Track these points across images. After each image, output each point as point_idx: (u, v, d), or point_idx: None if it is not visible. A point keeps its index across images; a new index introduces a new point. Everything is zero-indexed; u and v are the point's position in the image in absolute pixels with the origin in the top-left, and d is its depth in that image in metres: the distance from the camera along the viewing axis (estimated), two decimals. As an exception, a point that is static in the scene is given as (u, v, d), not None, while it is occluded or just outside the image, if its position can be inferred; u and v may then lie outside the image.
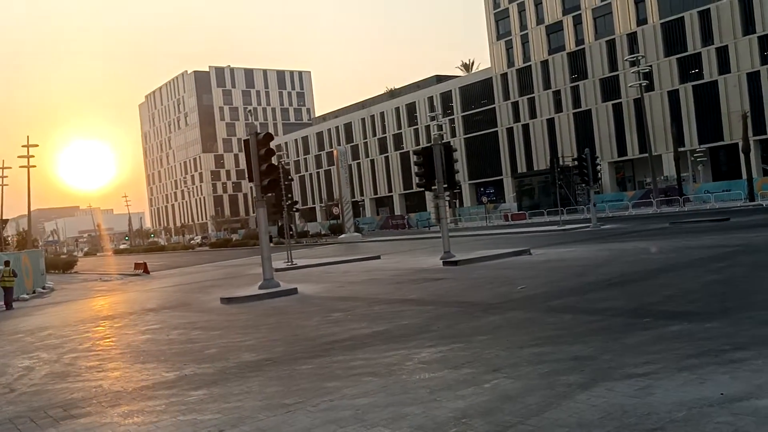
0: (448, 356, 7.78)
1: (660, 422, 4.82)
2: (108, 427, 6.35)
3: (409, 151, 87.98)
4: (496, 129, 77.51)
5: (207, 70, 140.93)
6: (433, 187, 23.20)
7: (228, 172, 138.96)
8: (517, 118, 74.94)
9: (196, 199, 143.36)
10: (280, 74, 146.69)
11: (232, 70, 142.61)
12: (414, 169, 26.27)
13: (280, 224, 31.39)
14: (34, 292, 30.18)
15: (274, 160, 18.03)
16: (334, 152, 57.38)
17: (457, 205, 78.12)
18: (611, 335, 7.99)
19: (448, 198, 23.76)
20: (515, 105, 75.07)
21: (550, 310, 10.30)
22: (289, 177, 29.23)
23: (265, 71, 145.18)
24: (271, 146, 17.63)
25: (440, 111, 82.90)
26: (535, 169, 70.39)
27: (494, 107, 77.54)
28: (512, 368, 6.90)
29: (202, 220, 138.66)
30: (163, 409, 6.74)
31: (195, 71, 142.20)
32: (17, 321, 18.26)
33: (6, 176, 68.04)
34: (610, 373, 6.32)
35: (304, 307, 14.18)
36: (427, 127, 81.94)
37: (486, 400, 5.87)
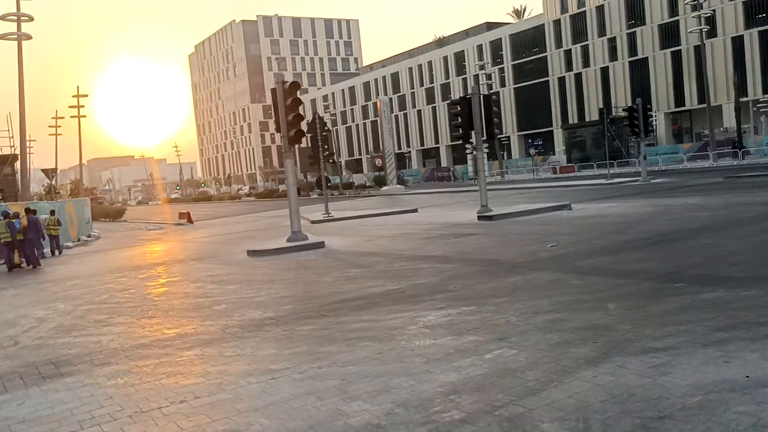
0: (456, 321, 7.26)
1: (669, 409, 4.21)
2: (89, 387, 6.09)
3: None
4: (547, 78, 75.01)
5: (255, 19, 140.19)
6: (470, 140, 22.36)
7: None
8: (569, 67, 72.25)
9: (244, 150, 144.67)
10: (328, 23, 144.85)
11: (279, 19, 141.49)
12: (452, 120, 25.36)
13: (318, 176, 30.93)
14: (78, 240, 30.81)
15: (301, 110, 17.48)
16: (378, 103, 56.40)
17: (505, 157, 76.54)
18: (636, 301, 7.31)
19: (486, 150, 22.86)
20: (568, 53, 72.28)
21: (577, 271, 9.62)
22: (326, 128, 28.67)
23: (312, 20, 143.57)
24: (298, 96, 17.07)
25: (489, 60, 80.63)
26: (587, 120, 67.97)
27: (546, 55, 74.86)
28: (520, 337, 6.33)
29: (251, 170, 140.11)
30: (149, 371, 6.45)
31: (243, 21, 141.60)
32: (53, 269, 18.52)
33: (60, 126, 69.58)
34: (625, 346, 5.69)
35: (326, 261, 13.81)
36: (476, 77, 79.67)
37: (482, 373, 5.34)
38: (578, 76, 71.25)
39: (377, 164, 54.34)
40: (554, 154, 70.45)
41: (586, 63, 70.36)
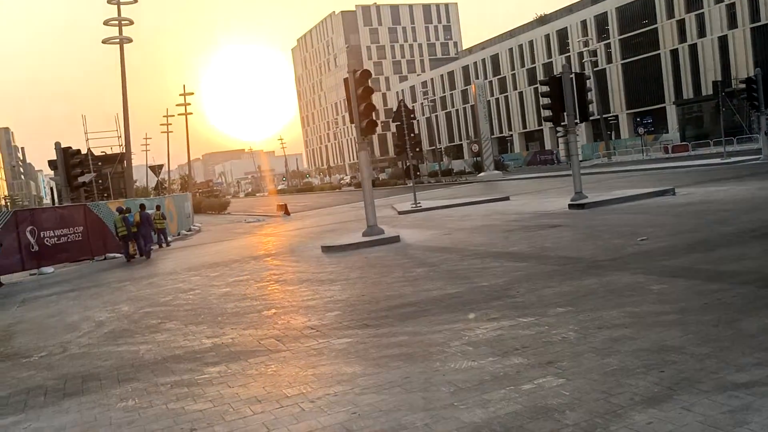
0: (505, 336, 6.33)
1: (736, 483, 3.18)
2: (98, 409, 5.73)
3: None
4: (658, 51, 70.17)
5: (354, 9, 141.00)
6: (562, 122, 20.88)
7: (376, 112, 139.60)
8: (682, 38, 67.18)
9: (347, 139, 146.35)
10: (426, 8, 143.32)
11: (378, 7, 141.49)
12: (541, 101, 23.87)
13: (407, 165, 30.24)
14: (178, 234, 31.86)
15: (374, 99, 16.80)
16: (472, 87, 54.84)
17: (612, 137, 72.64)
18: (726, 315, 6.09)
19: (578, 132, 21.26)
20: (680, 23, 67.22)
21: (662, 271, 8.36)
22: (412, 115, 27.88)
23: (410, 6, 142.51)
24: (369, 84, 16.40)
25: (594, 35, 76.62)
26: (704, 94, 63.04)
27: (656, 27, 70.01)
28: (571, 360, 5.34)
29: (353, 160, 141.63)
30: (164, 391, 6.02)
31: (342, 11, 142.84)
32: (142, 266, 18.97)
33: (171, 123, 72.88)
34: (698, 378, 4.60)
35: (394, 258, 13.10)
36: (580, 54, 75.95)
37: (513, 411, 4.44)
38: (693, 48, 66.15)
39: (474, 150, 52.87)
40: (667, 132, 66.02)
41: (701, 33, 65.18)
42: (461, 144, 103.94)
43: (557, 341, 5.95)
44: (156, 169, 45.80)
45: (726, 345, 5.23)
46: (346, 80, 16.85)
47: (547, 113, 21.45)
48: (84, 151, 32.37)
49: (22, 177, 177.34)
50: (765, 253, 8.89)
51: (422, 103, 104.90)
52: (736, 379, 4.50)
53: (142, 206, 23.68)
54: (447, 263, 11.53)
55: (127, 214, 21.67)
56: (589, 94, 21.17)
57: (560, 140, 18.16)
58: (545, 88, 21.36)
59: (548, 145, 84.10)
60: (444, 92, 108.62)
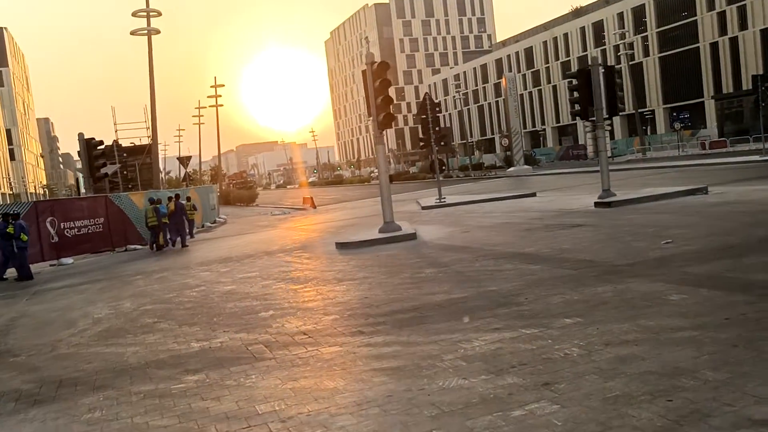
0: (504, 350, 5.82)
1: None
2: (61, 421, 5.39)
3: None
4: (697, 45, 68.13)
5: (387, 2, 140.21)
6: (590, 117, 20.11)
7: (408, 105, 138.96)
8: (723, 31, 65.09)
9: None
10: (460, 1, 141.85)
11: (411, 0, 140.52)
12: (570, 95, 23.08)
13: (431, 158, 29.66)
14: (203, 226, 31.83)
15: (391, 92, 16.29)
16: (503, 80, 53.87)
17: (648, 132, 70.88)
18: (748, 333, 5.48)
19: (608, 128, 20.45)
20: (721, 15, 65.13)
21: (684, 280, 7.73)
22: (437, 109, 27.25)
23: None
24: (387, 77, 15.89)
25: (631, 28, 74.80)
26: (744, 89, 61.01)
27: (695, 20, 67.97)
28: (571, 382, 4.82)
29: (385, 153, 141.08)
30: (134, 402, 5.65)
31: (375, 4, 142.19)
32: (161, 259, 18.81)
33: (203, 115, 73.27)
34: (710, 410, 4.04)
35: (406, 257, 12.62)
36: (616, 47, 74.27)
37: (494, 444, 3.95)
38: (734, 41, 64.04)
39: (503, 144, 51.96)
40: (705, 127, 64.16)
41: (743, 25, 63.05)
42: (493, 138, 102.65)
43: (558, 358, 5.42)
44: (184, 161, 45.97)
45: (745, 370, 4.65)
46: (363, 72, 16.37)
47: (575, 108, 20.67)
48: (113, 142, 32.55)
49: (61, 167, 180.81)
50: (799, 261, 8.19)
51: (454, 97, 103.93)
52: (753, 413, 3.93)
53: (177, 196, 23.92)
54: (459, 264, 11.01)
55: (158, 205, 21.97)
56: (620, 88, 20.28)
57: (588, 135, 17.39)
58: (573, 82, 20.61)
59: (581, 140, 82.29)
60: (476, 85, 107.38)
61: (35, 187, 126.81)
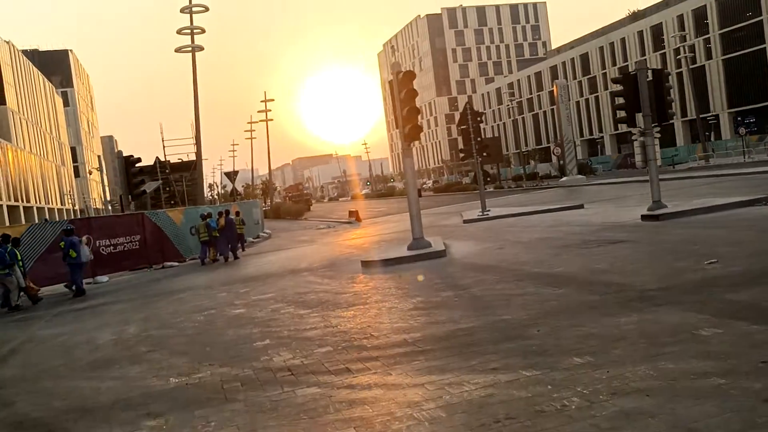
0: (494, 398, 5.01)
1: None
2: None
3: (669, 80, 78.08)
4: (763, 45, 64.88)
5: (439, 12, 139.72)
6: (639, 125, 18.92)
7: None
8: (791, 30, 61.88)
9: (432, 143, 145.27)
10: (513, 8, 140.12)
11: (464, 9, 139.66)
12: (614, 101, 21.90)
13: (476, 170, 28.71)
14: (246, 241, 31.73)
15: (417, 103, 15.57)
16: (554, 88, 52.37)
17: (712, 138, 67.80)
18: (788, 382, 4.53)
19: (658, 135, 19.17)
20: (788, 14, 61.94)
21: (722, 310, 6.73)
22: (478, 119, 26.34)
23: (497, 7, 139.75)
24: (413, 87, 15.19)
25: (692, 30, 71.95)
26: (815, 90, 57.69)
27: (761, 20, 64.78)
28: (557, 447, 3.99)
29: (438, 163, 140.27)
30: (78, 451, 5.10)
31: (428, 15, 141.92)
32: (190, 276, 18.58)
33: (254, 130, 74.13)
34: (720, 498, 3.17)
35: (426, 279, 11.85)
36: (676, 50, 71.55)
37: None
38: (803, 40, 60.74)
39: (556, 153, 50.44)
40: (773, 131, 60.88)
41: (813, 23, 59.75)
42: (549, 146, 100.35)
43: (552, 412, 4.58)
44: (231, 176, 46.30)
45: (776, 437, 3.74)
46: (390, 83, 15.73)
47: (621, 114, 19.52)
48: (162, 158, 32.94)
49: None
50: None
51: (508, 106, 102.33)
52: (776, 505, 3.04)
53: (227, 212, 24.13)
54: (479, 286, 10.17)
55: (209, 220, 22.42)
56: (670, 92, 19.02)
57: (635, 143, 16.28)
58: (618, 87, 19.47)
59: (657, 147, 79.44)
60: (531, 93, 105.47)
61: (98, 203, 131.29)
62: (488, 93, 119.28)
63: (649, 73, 19.05)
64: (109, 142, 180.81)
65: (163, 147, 41.55)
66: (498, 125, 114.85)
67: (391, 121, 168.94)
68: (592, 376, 5.20)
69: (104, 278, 20.83)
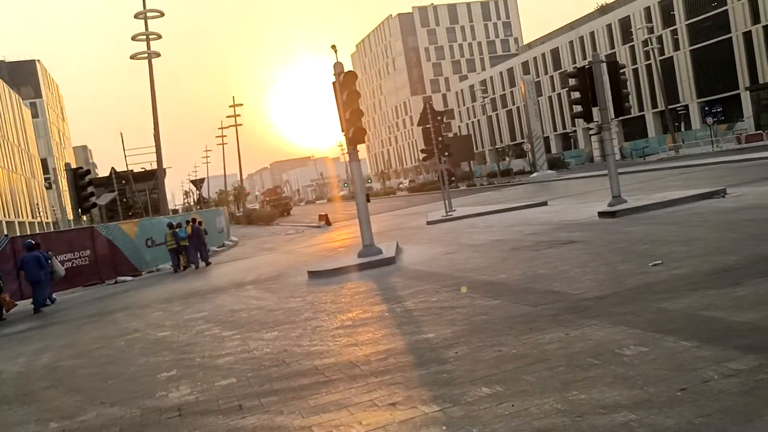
0: (378, 444, 4.38)
1: None
2: None
3: (624, 72, 78.21)
4: (729, 35, 65.11)
5: (411, 11, 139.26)
6: (595, 120, 18.47)
7: (445, 113, 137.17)
8: (756, 19, 62.04)
9: (408, 143, 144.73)
10: (485, 5, 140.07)
11: (435, 8, 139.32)
12: (562, 95, 21.38)
13: (439, 171, 28.09)
14: (208, 251, 30.87)
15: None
16: (521, 83, 52.03)
17: (683, 129, 67.96)
18: (704, 418, 3.93)
19: (616, 129, 18.74)
20: (753, 3, 62.09)
21: (653, 322, 6.15)
22: (438, 117, 25.75)
23: (468, 5, 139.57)
24: (355, 88, 14.54)
25: (660, 22, 72.13)
26: (782, 77, 57.93)
27: (726, 9, 65.01)
28: None
29: (415, 163, 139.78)
30: None
31: (399, 14, 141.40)
32: (142, 291, 17.80)
33: (225, 135, 73.00)
34: None
35: (367, 290, 11.22)
36: (645, 42, 71.59)
37: None
38: (768, 28, 60.98)
39: (526, 149, 50.09)
40: (742, 120, 61.07)
41: (776, 11, 60.00)
42: (523, 142, 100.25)
43: (436, 462, 3.95)
44: (198, 184, 45.39)
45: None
46: (333, 84, 15.07)
47: (577, 109, 19.02)
48: (125, 168, 31.94)
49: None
50: (805, 289, 6.52)
51: (481, 103, 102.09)
52: None
53: (194, 220, 24.25)
54: (416, 298, 9.55)
55: (177, 229, 22.64)
56: (626, 85, 18.55)
57: (593, 138, 15.76)
58: (574, 81, 18.98)
59: (615, 141, 79.53)
60: (504, 90, 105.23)
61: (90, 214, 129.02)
62: (462, 90, 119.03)
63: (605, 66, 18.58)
64: (82, 152, 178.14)
65: (125, 156, 40.63)
66: (473, 122, 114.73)
67: (366, 121, 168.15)
68: (493, 413, 4.58)
69: (54, 296, 19.95)
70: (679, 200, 16.41)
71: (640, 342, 5.61)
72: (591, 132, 20.27)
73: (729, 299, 6.51)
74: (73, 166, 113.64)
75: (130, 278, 22.78)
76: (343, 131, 14.91)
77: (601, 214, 16.27)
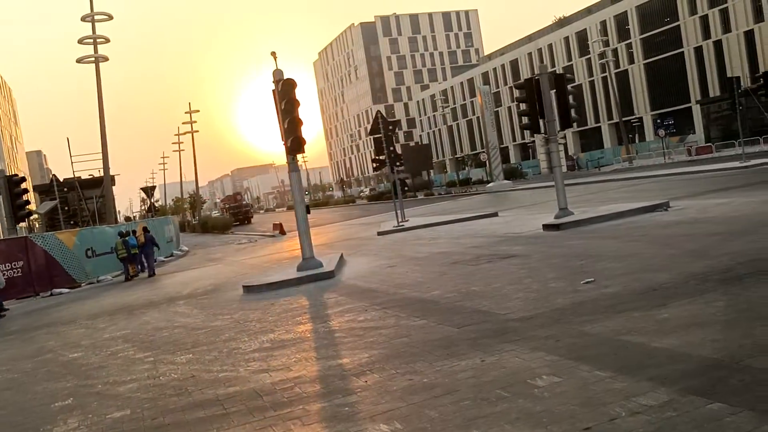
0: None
1: None
2: None
3: (581, 84, 79.48)
4: (681, 50, 66.57)
5: (373, 20, 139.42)
6: (542, 132, 18.35)
7: (399, 122, 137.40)
8: (706, 35, 63.58)
9: (369, 151, 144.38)
10: (446, 16, 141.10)
11: (397, 17, 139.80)
12: (518, 107, 21.38)
13: (393, 180, 27.70)
14: (155, 260, 29.96)
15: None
16: (478, 94, 52.23)
17: (637, 140, 69.11)
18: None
19: (562, 141, 18.67)
20: (704, 19, 63.66)
21: (572, 347, 5.84)
22: (390, 127, 25.44)
23: (430, 15, 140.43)
24: (295, 96, 14.09)
25: (615, 36, 73.45)
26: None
27: (678, 24, 66.49)
28: None
29: (377, 171, 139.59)
30: None
31: (361, 23, 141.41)
32: (73, 305, 16.98)
33: (182, 142, 71.62)
34: None
35: (296, 309, 10.75)
36: (601, 55, 72.74)
37: None
38: (718, 44, 62.48)
39: (483, 159, 50.17)
40: (693, 132, 62.36)
41: (726, 28, 61.53)
42: (482, 152, 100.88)
43: None
44: (149, 191, 44.27)
45: None
46: (273, 92, 14.59)
47: (525, 121, 18.88)
48: (51, 176, 30.79)
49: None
50: (727, 309, 6.28)
51: (442, 113, 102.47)
52: None
53: (146, 229, 24.46)
54: (343, 317, 9.13)
55: (127, 237, 22.47)
56: (571, 97, 18.49)
57: (540, 150, 15.72)
58: (521, 93, 18.86)
59: (571, 150, 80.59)
60: (464, 100, 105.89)
61: (29, 222, 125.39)
62: (423, 100, 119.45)
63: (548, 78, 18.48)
64: (36, 157, 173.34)
65: (72, 163, 39.28)
66: (434, 131, 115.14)
67: (329, 129, 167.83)
68: (385, 455, 4.17)
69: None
70: (623, 213, 16.35)
71: (554, 371, 5.28)
72: (530, 144, 20.12)
73: (653, 322, 6.24)
74: (26, 171, 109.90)
75: (66, 290, 21.84)
76: (282, 141, 14.43)
77: (546, 227, 16.10)
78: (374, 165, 26.31)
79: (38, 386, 7.95)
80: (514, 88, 24.06)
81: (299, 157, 15.07)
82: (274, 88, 14.44)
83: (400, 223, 25.49)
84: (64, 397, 7.17)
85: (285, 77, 14.00)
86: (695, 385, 4.49)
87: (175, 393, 6.57)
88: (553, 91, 18.14)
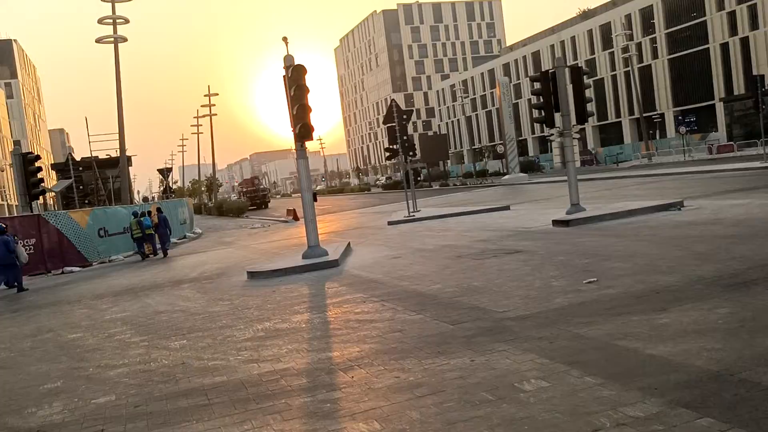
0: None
1: None
2: None
3: (603, 78, 78.47)
4: (707, 46, 65.39)
5: (395, 8, 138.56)
6: (556, 126, 18.08)
7: (418, 111, 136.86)
8: (734, 31, 62.36)
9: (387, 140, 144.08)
10: (469, 5, 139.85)
11: (420, 5, 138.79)
12: (533, 100, 21.03)
13: (406, 170, 27.55)
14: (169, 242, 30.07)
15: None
16: (497, 85, 51.72)
17: (657, 137, 68.17)
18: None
19: (577, 136, 18.37)
20: (731, 15, 62.43)
21: (565, 351, 5.68)
22: (404, 116, 25.23)
23: (453, 4, 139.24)
24: (305, 83, 13.94)
25: (639, 30, 72.32)
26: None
27: (705, 20, 65.26)
28: None
29: (393, 160, 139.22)
30: None
31: (384, 11, 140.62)
32: (82, 284, 17.07)
33: (200, 125, 71.82)
34: None
35: (295, 297, 10.67)
36: (624, 49, 71.68)
37: None
38: (745, 41, 61.29)
39: (499, 151, 49.77)
40: (716, 130, 61.34)
41: (754, 25, 60.29)
42: (500, 143, 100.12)
43: None
44: (165, 172, 44.46)
45: None
46: (284, 78, 14.46)
47: (539, 114, 18.60)
48: (68, 155, 30.97)
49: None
50: (730, 317, 6.07)
51: (462, 103, 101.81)
52: None
53: (159, 209, 24.59)
54: (341, 307, 9.04)
55: (142, 218, 22.87)
56: (587, 92, 18.17)
57: (554, 144, 15.51)
58: (536, 86, 18.56)
59: (590, 144, 79.69)
60: (484, 90, 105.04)
61: (48, 198, 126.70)
62: (443, 89, 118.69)
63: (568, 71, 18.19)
64: (59, 135, 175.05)
65: (89, 142, 39.58)
66: (452, 122, 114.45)
67: (347, 117, 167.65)
68: (359, 456, 4.06)
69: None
70: (636, 211, 16.06)
71: (543, 375, 5.13)
72: (549, 138, 19.84)
73: (650, 327, 6.05)
74: (48, 149, 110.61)
75: (78, 269, 22.00)
76: (291, 127, 14.31)
77: (555, 223, 15.87)
78: (387, 154, 26.12)
79: (32, 366, 7.95)
80: (530, 81, 23.70)
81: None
82: (284, 74, 14.30)
83: (411, 214, 25.35)
84: (55, 379, 7.15)
85: (296, 63, 13.84)
86: (686, 397, 4.32)
87: (163, 380, 6.51)
88: (570, 85, 17.85)
